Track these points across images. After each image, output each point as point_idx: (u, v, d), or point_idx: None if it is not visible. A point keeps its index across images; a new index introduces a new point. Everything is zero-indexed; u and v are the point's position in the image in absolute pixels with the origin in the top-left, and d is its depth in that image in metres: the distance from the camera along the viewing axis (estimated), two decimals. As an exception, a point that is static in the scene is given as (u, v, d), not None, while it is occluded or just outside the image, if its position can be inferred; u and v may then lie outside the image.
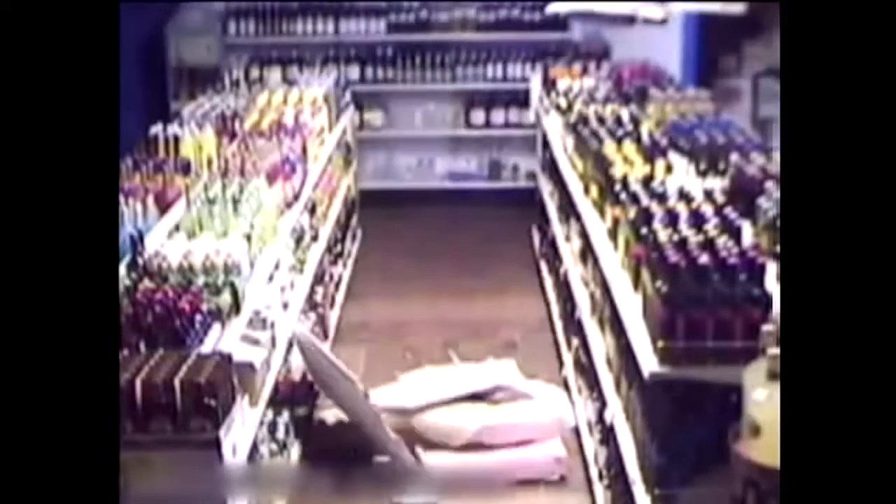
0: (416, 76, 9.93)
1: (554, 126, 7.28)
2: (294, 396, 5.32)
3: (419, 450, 5.13)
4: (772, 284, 3.35)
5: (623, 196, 4.46)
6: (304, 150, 6.19)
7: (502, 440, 5.18)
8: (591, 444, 5.02)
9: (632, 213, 4.19)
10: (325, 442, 5.27)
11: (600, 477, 4.68)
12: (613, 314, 4.22)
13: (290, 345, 4.96)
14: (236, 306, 4.12)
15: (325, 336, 6.41)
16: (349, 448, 5.11)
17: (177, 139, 5.80)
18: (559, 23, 9.54)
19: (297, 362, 5.34)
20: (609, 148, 5.34)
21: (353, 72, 9.84)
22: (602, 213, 4.92)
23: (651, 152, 5.23)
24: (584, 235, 5.27)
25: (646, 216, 4.03)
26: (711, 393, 3.16)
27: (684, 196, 4.37)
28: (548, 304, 7.16)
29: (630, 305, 3.86)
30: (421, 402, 5.29)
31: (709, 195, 4.40)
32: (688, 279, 3.36)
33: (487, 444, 5.15)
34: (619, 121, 6.19)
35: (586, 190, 5.49)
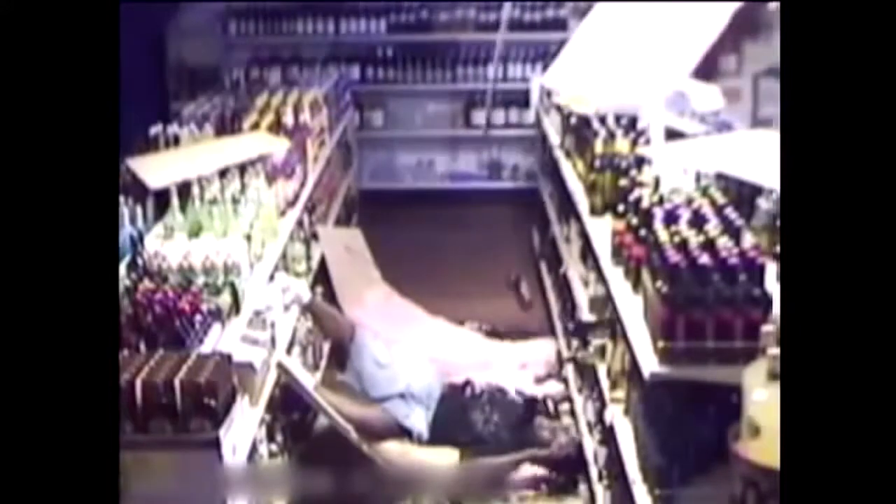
0: (416, 76, 9.92)
1: (554, 126, 7.27)
2: (294, 397, 5.31)
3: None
4: (772, 284, 3.34)
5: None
6: (304, 150, 6.19)
7: None
8: (591, 444, 5.02)
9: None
10: (325, 442, 5.27)
11: (600, 477, 4.67)
12: (613, 314, 4.21)
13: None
14: (236, 306, 4.12)
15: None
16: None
17: (177, 139, 5.80)
18: (559, 23, 9.53)
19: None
20: (609, 148, 5.32)
21: (353, 72, 9.82)
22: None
23: (651, 152, 5.21)
24: (584, 235, 5.26)
25: (646, 216, 4.02)
26: (711, 393, 3.15)
27: (684, 196, 4.36)
28: (548, 305, 7.16)
29: (630, 305, 3.86)
30: None
31: (709, 195, 4.39)
32: (688, 279, 3.35)
33: None
34: (619, 120, 6.18)
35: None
